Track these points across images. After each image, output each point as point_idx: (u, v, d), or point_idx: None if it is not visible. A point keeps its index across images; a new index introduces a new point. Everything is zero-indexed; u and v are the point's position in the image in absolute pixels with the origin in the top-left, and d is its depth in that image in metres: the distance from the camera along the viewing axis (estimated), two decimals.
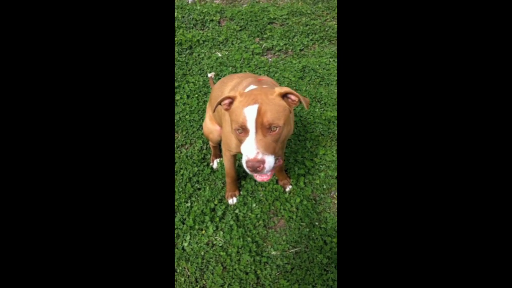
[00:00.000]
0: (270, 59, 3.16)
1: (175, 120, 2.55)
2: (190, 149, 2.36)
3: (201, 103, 2.66)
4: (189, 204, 2.02)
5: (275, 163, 1.31)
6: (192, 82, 2.86)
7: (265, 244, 1.84)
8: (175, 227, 1.93)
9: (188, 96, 2.74)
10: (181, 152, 2.35)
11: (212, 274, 1.75)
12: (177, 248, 1.85)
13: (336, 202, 2.02)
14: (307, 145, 2.29)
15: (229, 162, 1.86)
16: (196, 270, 1.76)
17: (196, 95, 2.74)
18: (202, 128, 2.48)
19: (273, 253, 1.80)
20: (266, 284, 1.70)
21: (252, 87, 1.51)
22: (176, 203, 2.03)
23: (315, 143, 2.32)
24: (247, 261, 1.77)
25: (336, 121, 2.46)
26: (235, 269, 1.75)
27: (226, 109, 1.43)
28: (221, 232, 1.88)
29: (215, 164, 2.23)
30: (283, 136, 1.34)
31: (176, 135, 2.49)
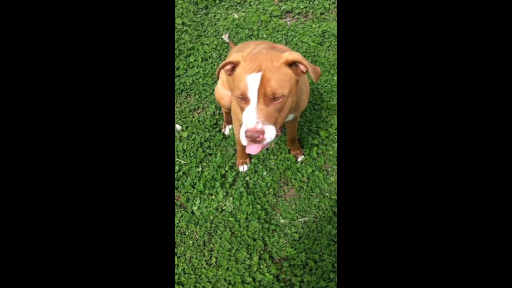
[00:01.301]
0: (289, 23, 3.00)
1: (189, 84, 2.49)
2: (202, 114, 2.32)
3: (215, 67, 2.59)
4: (200, 169, 2.02)
5: (276, 131, 1.22)
6: (207, 44, 2.76)
7: (274, 212, 1.84)
8: (186, 191, 1.94)
9: (202, 59, 2.66)
10: (193, 117, 2.32)
11: (220, 238, 1.77)
12: (187, 212, 1.86)
13: None
14: (323, 115, 2.22)
15: (239, 131, 1.79)
16: (204, 233, 1.79)
17: (211, 58, 2.66)
18: (213, 93, 2.42)
19: (282, 221, 1.80)
20: (273, 251, 1.71)
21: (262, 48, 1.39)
22: (187, 167, 2.03)
23: (331, 113, 2.24)
24: (255, 227, 1.78)
25: None
26: (243, 235, 1.77)
27: (229, 75, 1.33)
28: (231, 198, 1.88)
29: (227, 130, 2.19)
30: (287, 106, 1.24)
31: (188, 98, 2.45)
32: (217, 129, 2.22)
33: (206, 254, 1.73)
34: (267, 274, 1.62)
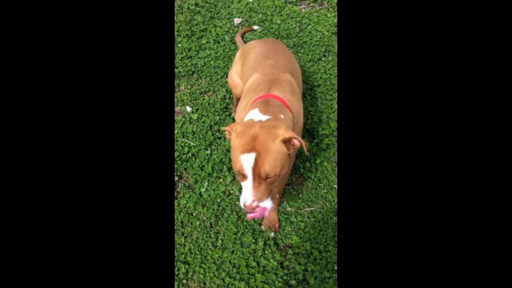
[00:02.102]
0: (303, 10, 2.96)
1: (200, 65, 2.47)
2: (213, 97, 2.31)
3: (227, 50, 2.56)
4: (208, 152, 2.02)
5: (272, 203, 1.32)
6: (220, 26, 2.72)
7: (281, 200, 1.85)
8: (194, 172, 1.94)
9: (214, 41, 2.62)
10: (203, 99, 2.30)
11: (227, 221, 1.78)
12: (195, 193, 1.87)
13: None
14: (334, 106, 2.21)
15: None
16: (211, 215, 1.80)
17: (223, 41, 2.62)
18: (226, 76, 2.40)
19: (288, 209, 1.82)
20: (278, 238, 1.73)
21: (256, 112, 1.38)
22: (195, 150, 2.02)
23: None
24: None
25: None
26: (249, 220, 1.78)
27: (229, 138, 1.38)
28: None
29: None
30: (280, 179, 1.33)
31: (199, 80, 2.42)
32: (227, 113, 2.22)
33: (212, 236, 1.75)
34: (272, 260, 1.65)
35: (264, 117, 1.35)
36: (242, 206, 1.30)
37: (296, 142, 1.28)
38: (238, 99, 2.14)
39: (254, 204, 1.27)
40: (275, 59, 1.68)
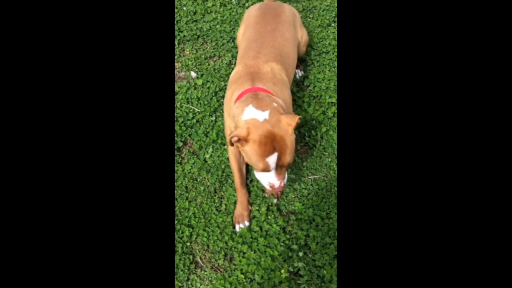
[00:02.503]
0: None
1: (205, 30, 2.39)
2: (218, 62, 2.25)
3: (233, 13, 2.47)
4: (213, 118, 2.00)
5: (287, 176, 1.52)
6: None
7: None
8: (199, 139, 1.94)
9: (221, 4, 2.53)
10: (208, 64, 2.25)
11: (231, 187, 1.80)
12: (199, 159, 1.88)
13: None
14: None
15: (234, 157, 1.71)
16: (215, 181, 1.82)
17: (230, 4, 2.53)
18: (232, 41, 2.34)
19: (292, 176, 1.82)
20: (281, 204, 1.75)
21: (253, 110, 1.42)
22: (200, 116, 2.01)
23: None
24: None
25: None
26: (253, 186, 1.80)
27: (232, 145, 1.44)
28: None
29: None
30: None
31: (205, 45, 2.36)
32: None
33: (216, 201, 1.77)
34: (274, 225, 1.67)
35: (265, 113, 1.40)
36: (269, 189, 1.47)
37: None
38: None
39: (283, 184, 1.45)
40: (259, 49, 1.70)
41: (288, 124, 1.39)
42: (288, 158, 1.39)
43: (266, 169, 1.40)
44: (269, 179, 1.45)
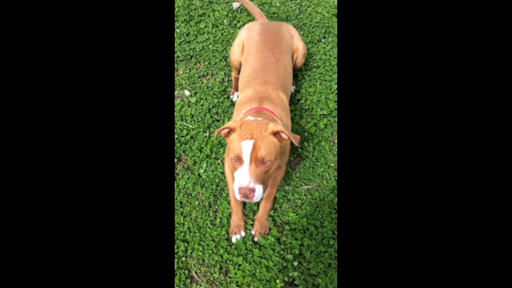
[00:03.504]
0: None
1: (198, 50, 2.48)
2: (211, 80, 2.32)
3: (225, 33, 2.56)
4: (207, 134, 2.04)
5: (263, 192, 1.46)
6: (218, 11, 2.72)
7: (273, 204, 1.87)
8: (193, 154, 1.97)
9: (213, 25, 2.63)
10: (202, 83, 2.32)
11: (225, 200, 1.82)
12: (193, 174, 1.91)
13: None
14: (333, 86, 2.21)
15: (230, 169, 1.77)
16: (210, 195, 1.84)
17: (221, 25, 2.63)
18: (225, 60, 2.41)
19: (286, 187, 1.84)
20: (275, 216, 1.76)
21: (250, 118, 1.59)
22: (194, 132, 2.05)
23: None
24: None
25: None
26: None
27: (226, 137, 1.56)
28: None
29: (235, 96, 2.20)
30: (272, 168, 1.50)
31: (198, 64, 2.44)
32: (226, 95, 2.23)
33: (211, 215, 1.79)
34: (269, 236, 1.68)
35: (258, 119, 1.56)
36: (237, 190, 1.44)
37: (283, 135, 1.49)
38: (236, 79, 2.17)
39: (251, 185, 1.41)
40: (266, 77, 1.83)
41: (271, 127, 1.46)
42: (263, 150, 1.41)
43: (239, 154, 1.42)
44: (240, 174, 1.42)
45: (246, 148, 1.42)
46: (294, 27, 2.59)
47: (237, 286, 1.57)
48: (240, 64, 2.06)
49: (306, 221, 1.71)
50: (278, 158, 1.53)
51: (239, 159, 1.44)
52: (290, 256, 1.62)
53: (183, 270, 1.63)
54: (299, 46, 2.11)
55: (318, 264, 1.59)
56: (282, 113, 1.75)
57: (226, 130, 1.54)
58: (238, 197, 1.46)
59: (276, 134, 1.49)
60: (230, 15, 2.70)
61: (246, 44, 2.04)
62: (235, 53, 2.10)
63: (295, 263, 1.60)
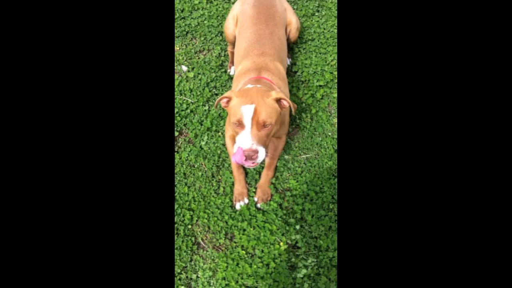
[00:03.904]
0: None
1: (194, 25, 2.48)
2: (208, 55, 2.34)
3: (220, 8, 2.56)
4: (206, 108, 2.08)
5: (266, 155, 1.50)
6: None
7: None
8: (194, 127, 2.01)
9: (207, 1, 2.61)
10: (199, 58, 2.33)
11: (228, 170, 1.87)
12: (195, 147, 1.95)
13: None
14: (328, 58, 2.25)
15: (231, 140, 1.83)
16: (212, 166, 1.89)
17: (216, 0, 2.62)
18: (221, 34, 2.42)
19: (286, 157, 1.90)
20: (276, 183, 1.83)
21: (249, 86, 1.63)
22: (193, 106, 2.08)
23: (336, 57, 2.27)
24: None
25: None
26: (248, 168, 1.87)
27: (225, 107, 1.60)
28: None
29: (232, 70, 2.23)
30: (273, 132, 1.54)
31: (194, 40, 2.44)
32: (223, 69, 2.26)
33: (214, 184, 1.84)
34: (272, 202, 1.75)
35: (257, 85, 1.61)
36: (241, 154, 1.44)
37: (285, 102, 1.56)
38: (232, 53, 2.19)
39: (254, 147, 1.44)
40: (262, 49, 1.86)
41: (273, 94, 1.51)
42: (264, 114, 1.46)
43: (240, 119, 1.46)
44: (242, 138, 1.45)
45: (247, 112, 1.46)
46: (288, 1, 2.60)
47: (243, 249, 1.65)
48: (235, 38, 2.08)
49: (306, 187, 1.78)
50: (279, 123, 1.57)
51: (240, 124, 1.48)
52: (292, 220, 1.69)
53: (189, 237, 1.70)
54: (292, 20, 2.13)
55: (319, 227, 1.67)
56: (280, 82, 1.79)
57: (225, 100, 1.58)
58: (237, 159, 1.45)
59: (277, 101, 1.54)
60: None
61: (240, 17, 2.05)
62: (229, 27, 2.11)
63: (297, 227, 1.68)
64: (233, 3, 2.58)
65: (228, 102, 1.59)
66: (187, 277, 1.62)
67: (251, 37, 1.92)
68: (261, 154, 1.47)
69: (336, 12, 2.51)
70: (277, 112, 1.54)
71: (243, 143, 1.46)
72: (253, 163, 1.49)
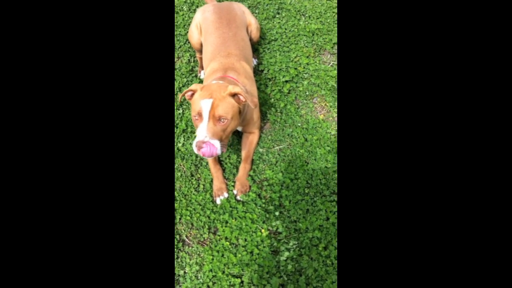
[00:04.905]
0: None
1: None
2: (178, 62, 2.42)
3: (186, 18, 2.66)
4: (180, 111, 2.15)
5: (221, 149, 1.56)
6: None
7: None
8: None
9: (174, 12, 2.71)
10: None
11: (206, 168, 1.94)
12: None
13: (317, 106, 2.18)
14: (291, 55, 2.38)
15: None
16: (191, 165, 1.96)
17: (181, 11, 2.72)
18: (189, 43, 2.51)
19: (260, 150, 2.00)
20: (254, 175, 1.91)
21: (214, 82, 1.72)
22: None
23: (299, 54, 2.40)
24: (237, 157, 1.96)
25: (319, 33, 2.52)
26: (226, 163, 1.95)
27: (189, 99, 1.70)
28: None
29: (202, 74, 2.32)
30: (230, 127, 1.62)
31: None
32: (193, 74, 2.34)
33: (194, 183, 1.91)
34: (250, 193, 1.83)
35: (220, 82, 1.71)
36: (195, 145, 1.54)
37: (241, 97, 1.63)
38: (200, 58, 2.29)
39: (206, 139, 1.53)
40: (228, 50, 1.97)
41: (229, 88, 1.61)
42: (220, 109, 1.55)
43: (199, 111, 1.56)
44: (199, 130, 1.55)
45: (205, 106, 1.55)
46: (250, 6, 2.73)
47: (227, 241, 1.72)
48: (201, 45, 2.18)
49: (282, 176, 1.87)
50: (237, 118, 1.65)
51: (199, 116, 1.57)
52: (271, 208, 1.78)
53: (174, 236, 1.75)
54: (251, 21, 2.26)
55: (297, 210, 1.76)
56: (246, 81, 1.89)
57: (189, 93, 1.68)
58: (195, 150, 1.55)
59: (234, 96, 1.62)
60: (189, 1, 2.79)
61: (203, 25, 2.16)
62: (193, 36, 2.22)
63: (277, 213, 1.76)
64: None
65: (192, 95, 1.68)
66: (174, 274, 1.67)
67: (216, 40, 2.02)
68: (216, 146, 1.53)
69: (294, 12, 2.66)
70: (234, 107, 1.61)
71: (198, 134, 1.55)
72: (209, 153, 1.53)
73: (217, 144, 1.54)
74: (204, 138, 1.52)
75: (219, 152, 1.55)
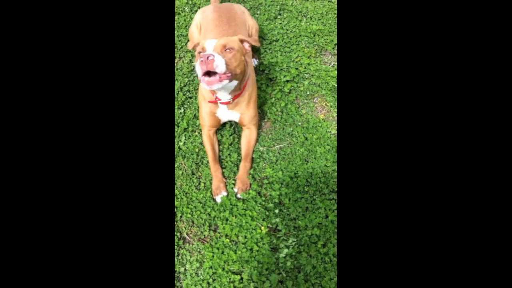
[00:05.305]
0: None
1: None
2: (179, 63, 2.45)
3: (188, 19, 2.69)
4: (182, 111, 2.18)
5: (225, 72, 1.52)
6: (179, 0, 2.84)
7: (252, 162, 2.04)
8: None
9: (176, 13, 2.74)
10: None
11: (206, 167, 1.96)
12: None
13: (317, 106, 2.20)
14: (293, 56, 2.40)
15: (207, 137, 1.95)
16: (192, 164, 1.98)
17: (183, 12, 2.75)
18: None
19: (261, 148, 2.01)
20: (254, 173, 1.93)
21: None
22: None
23: (300, 54, 2.42)
24: (237, 156, 1.98)
25: (320, 34, 2.53)
26: (227, 162, 1.97)
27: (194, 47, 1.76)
28: None
29: None
30: (236, 57, 1.60)
31: None
32: (195, 74, 2.37)
33: (195, 181, 1.93)
34: (250, 191, 1.84)
35: None
36: (198, 63, 1.50)
37: (247, 46, 1.74)
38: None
39: (212, 53, 1.49)
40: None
41: (240, 35, 1.72)
42: (224, 40, 1.60)
43: (204, 48, 1.60)
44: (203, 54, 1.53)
45: (209, 44, 1.59)
46: (251, 7, 2.76)
47: (227, 238, 1.73)
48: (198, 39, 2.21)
49: (281, 174, 1.89)
50: (241, 58, 1.64)
51: (203, 50, 1.59)
52: (271, 205, 1.79)
53: (175, 234, 1.77)
54: (250, 22, 2.28)
55: (297, 208, 1.77)
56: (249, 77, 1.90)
57: (197, 48, 1.67)
58: (199, 71, 1.51)
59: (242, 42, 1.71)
60: (190, 2, 2.82)
61: (203, 24, 2.18)
62: (193, 36, 2.26)
63: (276, 211, 1.78)
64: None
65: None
66: (175, 271, 1.68)
67: (216, 38, 2.04)
68: (220, 61, 1.48)
69: (296, 13, 2.69)
70: (240, 49, 1.66)
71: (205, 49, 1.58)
72: (211, 78, 1.49)
73: (221, 60, 1.49)
74: (212, 52, 1.52)
75: (223, 69, 1.49)
